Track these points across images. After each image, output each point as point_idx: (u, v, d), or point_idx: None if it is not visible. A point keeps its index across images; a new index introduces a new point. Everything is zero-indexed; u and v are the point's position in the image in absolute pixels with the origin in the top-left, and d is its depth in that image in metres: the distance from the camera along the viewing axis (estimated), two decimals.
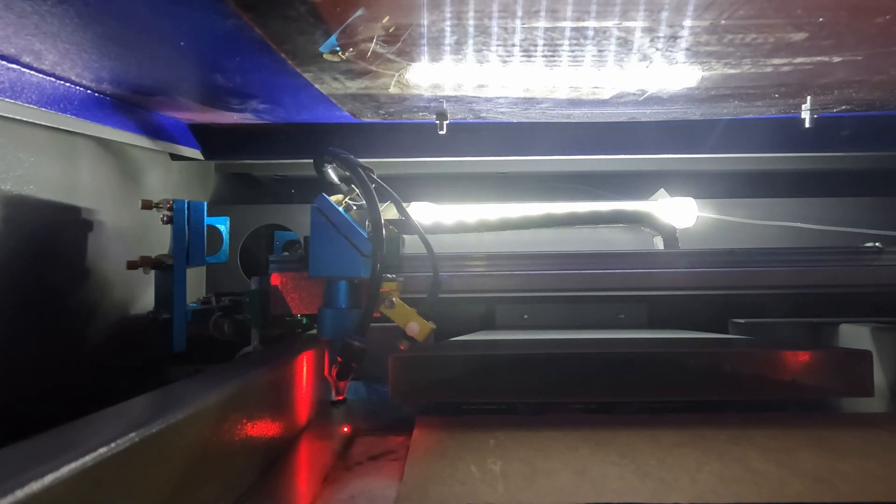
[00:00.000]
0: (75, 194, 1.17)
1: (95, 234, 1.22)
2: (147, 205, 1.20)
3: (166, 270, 1.20)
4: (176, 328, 1.18)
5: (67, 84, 1.06)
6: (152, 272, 1.24)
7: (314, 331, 1.32)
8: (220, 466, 0.70)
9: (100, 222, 1.23)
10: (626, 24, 0.81)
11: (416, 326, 0.96)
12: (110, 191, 1.27)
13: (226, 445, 0.72)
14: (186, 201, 1.21)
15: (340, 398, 1.16)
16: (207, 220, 1.25)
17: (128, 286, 1.30)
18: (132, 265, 1.19)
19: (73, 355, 1.16)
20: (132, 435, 0.51)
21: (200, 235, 1.22)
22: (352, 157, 1.05)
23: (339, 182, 1.12)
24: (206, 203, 1.23)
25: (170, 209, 1.20)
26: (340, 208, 1.07)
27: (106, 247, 1.24)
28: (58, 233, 1.12)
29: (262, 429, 0.85)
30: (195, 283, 1.63)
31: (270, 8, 0.76)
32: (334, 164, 1.12)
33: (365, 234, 0.99)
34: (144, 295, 1.34)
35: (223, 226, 1.33)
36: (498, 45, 0.89)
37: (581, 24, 0.81)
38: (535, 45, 0.88)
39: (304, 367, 1.06)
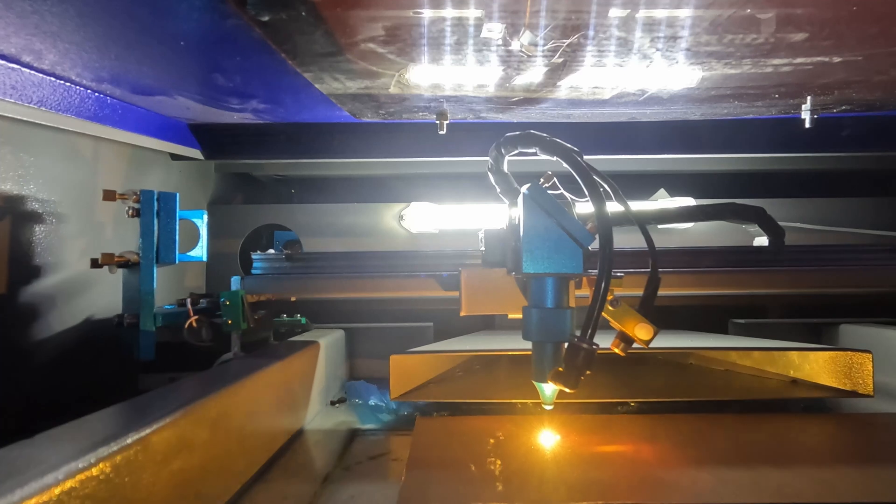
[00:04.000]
0: (75, 194, 1.17)
1: (95, 234, 1.22)
2: (110, 196, 1.06)
3: (134, 269, 1.08)
4: (143, 334, 1.06)
5: (68, 84, 1.06)
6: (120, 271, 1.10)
7: (303, 335, 1.28)
8: (200, 480, 0.70)
9: (100, 222, 1.23)
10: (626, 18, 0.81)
11: (650, 328, 0.81)
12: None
13: (208, 454, 0.72)
14: (156, 192, 1.09)
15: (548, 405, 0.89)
16: (181, 214, 1.12)
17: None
18: (94, 263, 1.06)
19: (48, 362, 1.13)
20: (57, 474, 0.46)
21: (172, 230, 1.10)
22: (559, 140, 0.89)
23: (507, 173, 0.97)
24: (178, 194, 1.11)
25: (136, 201, 1.07)
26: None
27: (105, 247, 1.23)
28: (56, 232, 1.12)
29: (252, 433, 0.85)
30: (196, 283, 1.63)
31: (270, 8, 0.76)
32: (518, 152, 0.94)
33: (583, 226, 0.84)
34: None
35: (199, 219, 1.19)
36: (498, 45, 0.89)
37: (584, 23, 0.81)
38: (536, 46, 0.88)
39: (294, 371, 1.05)
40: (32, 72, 0.98)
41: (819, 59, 0.95)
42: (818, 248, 1.22)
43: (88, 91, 1.11)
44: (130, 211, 1.08)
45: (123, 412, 0.64)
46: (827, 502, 0.66)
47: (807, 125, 1.23)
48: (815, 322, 1.46)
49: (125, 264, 1.08)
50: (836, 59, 0.96)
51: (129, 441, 0.53)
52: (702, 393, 1.05)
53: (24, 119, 1.00)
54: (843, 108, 1.27)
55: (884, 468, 0.76)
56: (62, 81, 1.05)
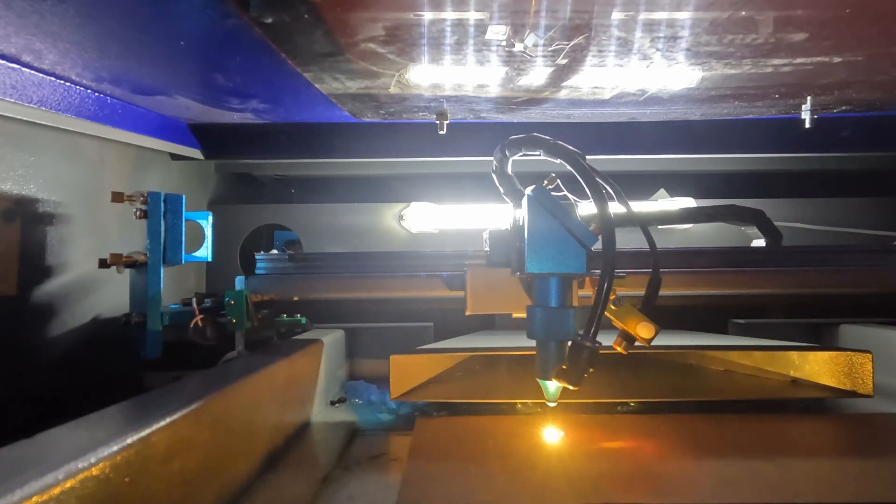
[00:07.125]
0: (75, 194, 1.16)
1: (94, 234, 1.22)
2: (118, 198, 1.08)
3: (142, 269, 1.09)
4: (149, 333, 1.07)
5: (68, 83, 1.06)
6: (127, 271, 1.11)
7: (303, 335, 1.27)
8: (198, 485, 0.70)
9: (99, 222, 1.23)
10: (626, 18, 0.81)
11: (651, 327, 0.82)
12: (110, 191, 1.26)
13: (206, 456, 0.72)
14: (163, 193, 1.10)
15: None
16: (187, 215, 1.14)
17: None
18: (102, 264, 1.08)
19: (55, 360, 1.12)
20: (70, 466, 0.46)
21: (178, 231, 1.11)
22: (562, 143, 0.91)
23: (511, 175, 0.98)
24: (184, 196, 1.13)
25: (144, 202, 1.09)
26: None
27: (106, 247, 1.23)
28: (54, 232, 1.12)
29: (254, 431, 0.85)
30: (196, 283, 1.63)
31: (270, 8, 0.76)
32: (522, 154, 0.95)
33: (586, 227, 0.86)
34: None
35: (205, 220, 1.21)
36: (499, 46, 0.89)
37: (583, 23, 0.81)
38: (536, 46, 0.88)
39: (301, 368, 1.05)
40: (32, 72, 0.98)
41: (819, 59, 0.95)
42: (818, 248, 1.22)
43: (89, 91, 1.11)
44: (138, 212, 1.09)
45: (126, 410, 0.64)
46: (827, 502, 0.66)
47: (807, 125, 1.23)
48: (815, 322, 1.46)
49: (132, 264, 1.09)
50: (836, 59, 0.96)
51: (130, 441, 0.53)
52: (702, 393, 1.05)
53: (25, 119, 1.00)
54: (843, 108, 1.27)
55: (884, 468, 0.76)
56: (62, 81, 1.05)
